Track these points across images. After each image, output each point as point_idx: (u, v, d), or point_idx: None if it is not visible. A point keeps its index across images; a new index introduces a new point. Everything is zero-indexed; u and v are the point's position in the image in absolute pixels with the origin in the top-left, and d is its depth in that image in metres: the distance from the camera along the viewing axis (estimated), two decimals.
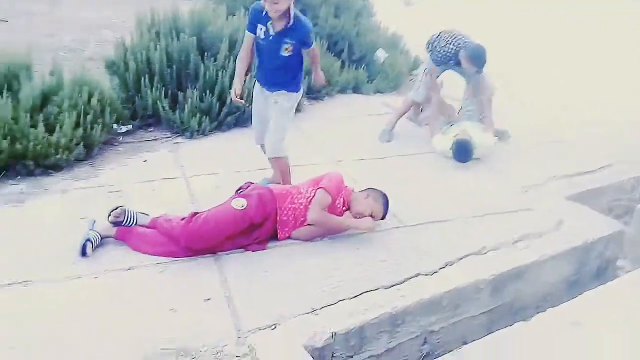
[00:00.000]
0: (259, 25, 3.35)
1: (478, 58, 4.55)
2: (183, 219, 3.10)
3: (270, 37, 3.34)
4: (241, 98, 3.53)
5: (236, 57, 3.60)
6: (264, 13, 3.27)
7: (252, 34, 3.42)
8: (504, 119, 5.16)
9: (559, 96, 6.44)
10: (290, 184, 3.64)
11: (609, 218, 3.91)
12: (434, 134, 4.75)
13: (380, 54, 6.92)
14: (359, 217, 3.30)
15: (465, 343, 2.96)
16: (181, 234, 3.00)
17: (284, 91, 3.52)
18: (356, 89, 6.30)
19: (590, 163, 4.63)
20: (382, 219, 3.42)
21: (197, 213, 3.11)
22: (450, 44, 4.64)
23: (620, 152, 4.89)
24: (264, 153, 3.75)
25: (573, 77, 7.42)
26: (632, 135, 5.33)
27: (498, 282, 3.09)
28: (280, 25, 3.30)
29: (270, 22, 3.30)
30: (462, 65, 4.65)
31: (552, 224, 3.62)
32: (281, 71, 3.46)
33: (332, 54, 6.31)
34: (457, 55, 4.62)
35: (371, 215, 3.31)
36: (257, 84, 3.63)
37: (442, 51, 4.68)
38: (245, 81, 3.61)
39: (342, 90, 6.16)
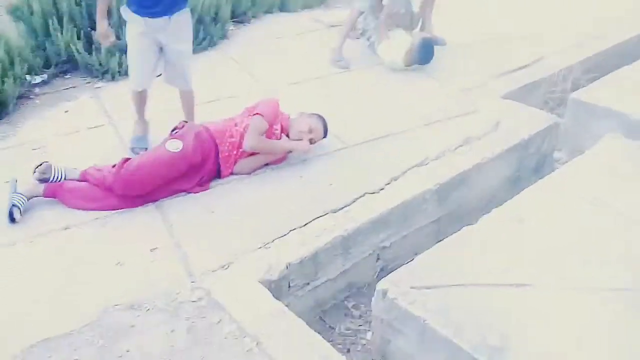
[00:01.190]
0: None
1: None
2: (114, 166, 2.94)
3: None
4: (109, 37, 3.26)
5: None
6: None
7: None
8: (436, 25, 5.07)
9: None
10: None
11: (544, 112, 3.98)
12: (380, 42, 4.62)
13: None
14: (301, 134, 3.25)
15: (417, 254, 3.04)
16: (114, 182, 2.86)
17: (185, 9, 3.25)
18: (283, 7, 5.99)
19: (523, 57, 4.64)
20: (324, 137, 3.37)
21: (129, 159, 2.96)
22: None
23: (552, 42, 4.91)
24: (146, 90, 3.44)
25: None
26: (564, 23, 5.35)
27: (443, 191, 3.13)
28: None
29: None
30: None
31: (490, 125, 3.66)
32: None
33: None
34: None
35: (311, 137, 3.25)
36: (138, 18, 3.16)
37: None
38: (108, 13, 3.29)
39: (269, 10, 5.85)
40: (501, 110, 3.85)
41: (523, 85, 4.27)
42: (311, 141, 3.29)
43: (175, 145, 2.98)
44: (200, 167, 3.04)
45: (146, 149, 3.33)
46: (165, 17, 3.17)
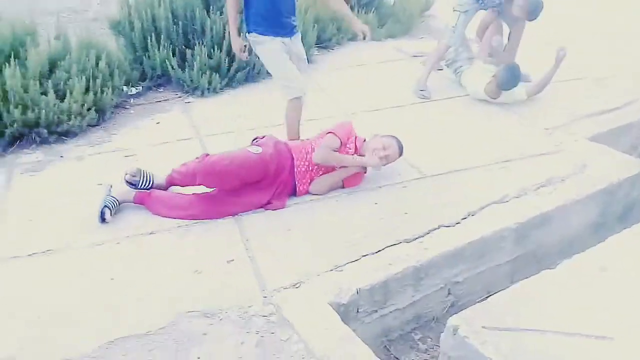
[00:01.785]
0: None
1: (535, 11, 4.33)
2: (197, 158, 3.11)
3: None
4: (243, 52, 3.46)
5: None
6: None
7: None
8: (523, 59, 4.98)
9: (577, 33, 6.17)
10: None
11: (633, 158, 3.80)
12: (464, 69, 4.62)
13: None
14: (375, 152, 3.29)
15: (490, 293, 2.95)
16: (197, 169, 3.01)
17: (299, 33, 3.46)
18: None
19: (612, 100, 4.48)
20: (399, 156, 3.39)
21: (209, 154, 3.11)
22: None
23: None
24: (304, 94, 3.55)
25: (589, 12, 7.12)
26: None
27: (522, 230, 3.04)
28: None
29: None
30: (510, 11, 4.39)
31: (575, 167, 3.54)
32: (293, 5, 3.34)
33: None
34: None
35: (386, 154, 3.28)
36: (274, 39, 3.33)
37: None
38: (239, 31, 3.46)
39: (352, 38, 5.97)
40: (587, 152, 3.71)
41: (612, 129, 4.11)
42: (386, 158, 3.31)
43: (256, 150, 3.12)
44: (275, 176, 3.12)
45: None
46: (289, 38, 3.39)
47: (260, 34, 3.33)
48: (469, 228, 2.96)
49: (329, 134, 3.25)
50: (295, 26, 3.42)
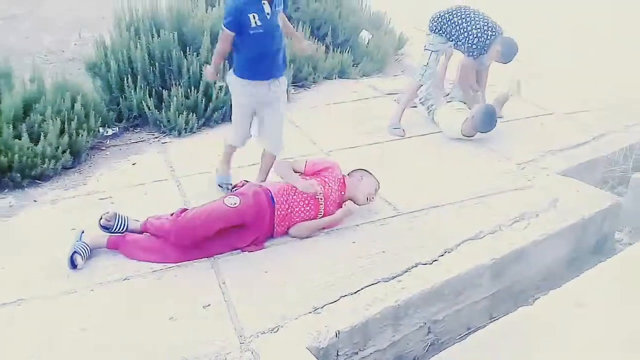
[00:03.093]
0: (252, 15, 3.12)
1: (510, 55, 4.45)
2: (172, 214, 3.08)
3: (268, 17, 3.16)
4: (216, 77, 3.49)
5: None
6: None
7: (233, 32, 3.19)
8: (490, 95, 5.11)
9: (547, 70, 6.37)
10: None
11: (604, 191, 3.89)
12: (438, 108, 4.71)
13: (365, 35, 6.81)
14: (368, 197, 3.40)
15: (470, 329, 2.96)
16: (171, 228, 2.98)
17: (284, 77, 3.45)
18: (342, 74, 6.20)
19: (581, 135, 4.61)
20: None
21: (187, 209, 3.09)
22: (484, 34, 4.39)
23: (612, 121, 4.87)
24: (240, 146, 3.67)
25: (559, 50, 7.37)
26: (620, 104, 5.30)
27: (498, 266, 3.07)
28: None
29: (263, 2, 3.14)
30: (486, 54, 4.49)
31: (548, 201, 3.60)
32: (281, 53, 3.35)
33: (316, 39, 6.20)
34: (487, 45, 4.45)
35: (368, 194, 3.39)
36: (245, 82, 3.35)
37: (475, 40, 4.41)
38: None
39: (328, 76, 6.06)
40: (559, 187, 3.79)
41: (582, 163, 4.21)
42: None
43: (233, 201, 3.08)
44: (255, 226, 3.11)
45: (231, 184, 3.59)
46: (268, 81, 3.35)
47: (241, 77, 3.33)
48: (445, 266, 2.98)
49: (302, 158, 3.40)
50: (283, 68, 3.41)
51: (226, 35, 3.23)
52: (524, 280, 3.27)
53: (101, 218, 3.11)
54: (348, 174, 3.48)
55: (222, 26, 3.22)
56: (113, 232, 3.09)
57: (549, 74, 6.17)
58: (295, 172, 3.37)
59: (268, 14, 3.16)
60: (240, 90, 3.39)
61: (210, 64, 3.46)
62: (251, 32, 3.16)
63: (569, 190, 3.75)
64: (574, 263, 3.52)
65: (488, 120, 4.39)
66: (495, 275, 3.08)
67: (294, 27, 5.11)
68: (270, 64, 3.31)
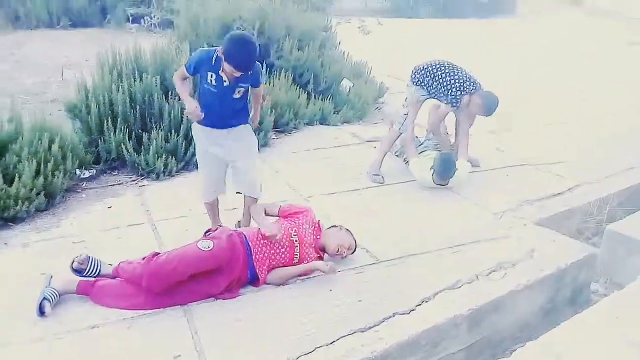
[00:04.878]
0: (209, 74, 3.15)
1: (491, 109, 4.57)
2: (144, 258, 3.02)
3: (225, 84, 3.16)
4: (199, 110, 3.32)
5: None
6: (214, 62, 3.11)
7: (190, 75, 3.26)
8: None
9: (524, 122, 6.54)
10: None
11: (579, 242, 3.93)
12: (410, 159, 4.76)
13: (346, 84, 6.95)
14: (338, 248, 3.34)
15: None
16: (142, 273, 2.91)
17: (245, 124, 3.41)
18: (323, 121, 6.28)
19: (556, 185, 4.69)
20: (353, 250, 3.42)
21: (158, 253, 3.04)
22: (465, 88, 4.54)
23: (585, 172, 4.97)
24: (216, 200, 3.62)
25: (533, 99, 7.59)
26: (594, 156, 5.43)
27: (475, 316, 3.05)
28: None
29: (220, 69, 3.12)
30: (467, 106, 4.60)
31: (524, 251, 3.62)
32: (236, 109, 3.32)
33: (298, 87, 6.31)
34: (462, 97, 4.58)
35: (341, 246, 3.34)
36: (206, 129, 3.33)
37: (456, 93, 4.55)
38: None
39: (309, 123, 6.13)
40: (535, 237, 3.82)
41: (557, 213, 4.26)
42: (344, 255, 3.37)
43: (207, 245, 3.04)
44: (228, 271, 3.05)
45: None
46: (225, 130, 3.33)
47: (201, 124, 3.32)
48: (423, 315, 2.96)
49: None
50: (242, 118, 3.37)
51: (183, 71, 3.27)
52: (501, 331, 3.24)
53: (73, 261, 3.04)
54: (327, 227, 3.48)
55: (183, 64, 3.31)
56: (85, 276, 3.02)
57: (526, 126, 6.32)
58: (270, 215, 3.38)
59: (225, 82, 3.15)
60: (201, 137, 3.36)
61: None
62: (205, 85, 3.20)
63: (545, 241, 3.79)
64: (550, 314, 3.52)
65: (445, 168, 4.46)
66: (472, 326, 3.05)
67: (276, 74, 5.16)
68: (225, 116, 3.29)
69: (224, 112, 3.27)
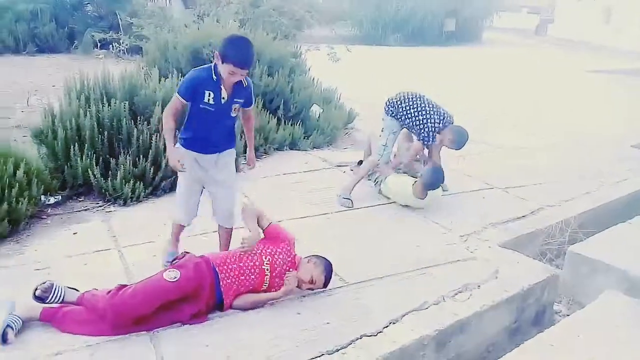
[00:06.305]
0: (207, 92, 3.18)
1: (461, 143, 4.75)
2: (109, 292, 2.96)
3: (223, 101, 3.20)
4: (182, 164, 3.29)
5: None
6: (214, 78, 3.16)
7: (186, 102, 3.22)
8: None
9: (489, 147, 6.72)
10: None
11: (542, 263, 4.04)
12: (387, 177, 4.87)
13: (316, 109, 7.05)
14: (302, 285, 3.28)
15: None
16: (106, 308, 2.86)
17: (232, 149, 3.45)
18: (293, 146, 6.34)
19: (520, 209, 4.82)
20: (325, 286, 3.37)
21: (125, 286, 2.99)
22: (435, 123, 4.71)
23: (547, 196, 5.12)
24: (188, 225, 3.61)
25: (494, 124, 7.81)
26: (557, 178, 5.61)
27: (442, 337, 3.10)
28: (231, 88, 3.22)
29: (222, 86, 3.18)
30: (438, 139, 4.74)
31: (489, 273, 3.70)
32: (227, 130, 3.39)
33: (268, 112, 6.37)
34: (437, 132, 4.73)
35: (312, 281, 3.27)
36: (191, 153, 3.34)
37: (425, 128, 4.72)
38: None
39: (279, 148, 6.18)
40: (499, 259, 3.91)
41: (521, 235, 4.37)
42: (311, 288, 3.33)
43: (173, 275, 3.00)
44: (195, 300, 3.03)
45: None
46: (214, 155, 3.35)
47: (189, 149, 3.33)
48: (390, 337, 2.99)
49: None
50: (231, 142, 3.43)
51: (178, 103, 3.22)
52: (468, 351, 3.29)
53: (36, 289, 2.97)
54: (306, 257, 3.44)
55: (176, 93, 3.24)
56: (48, 303, 2.96)
57: (491, 151, 6.50)
58: (258, 224, 3.33)
59: (224, 98, 3.21)
60: (187, 163, 3.32)
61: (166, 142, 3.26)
62: (201, 105, 3.21)
63: (509, 262, 3.88)
64: (516, 334, 3.58)
65: (435, 177, 4.60)
66: (439, 347, 3.09)
67: None
68: (216, 138, 3.33)
69: (217, 132, 3.30)
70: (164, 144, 3.78)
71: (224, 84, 3.18)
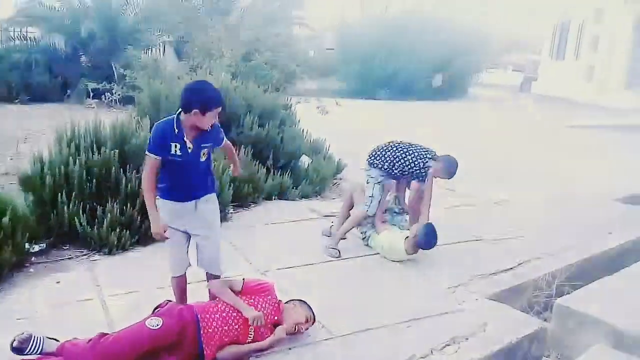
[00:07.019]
0: (174, 144, 3.18)
1: (452, 170, 4.80)
2: (90, 340, 2.90)
3: (190, 150, 3.20)
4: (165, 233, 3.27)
5: None
6: (176, 131, 3.16)
7: (158, 157, 3.20)
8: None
9: (477, 199, 6.79)
10: None
11: (530, 316, 4.02)
12: (379, 232, 4.86)
13: (305, 160, 7.12)
14: (296, 326, 3.31)
15: None
16: (87, 355, 2.80)
17: (211, 194, 3.41)
18: (282, 195, 6.37)
19: (507, 261, 4.82)
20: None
21: (106, 334, 2.94)
22: (423, 158, 4.77)
23: (534, 248, 5.15)
24: (184, 276, 3.53)
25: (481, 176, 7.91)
26: (544, 231, 5.65)
27: None
28: (194, 135, 3.20)
29: (184, 138, 3.17)
30: (429, 172, 4.77)
31: (477, 325, 3.67)
32: (202, 174, 3.36)
33: (257, 162, 6.42)
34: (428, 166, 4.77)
35: (307, 320, 3.33)
36: (169, 203, 3.31)
37: (418, 169, 4.76)
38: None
39: (268, 197, 6.20)
40: (487, 311, 3.89)
41: (509, 288, 4.37)
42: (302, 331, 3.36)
43: (155, 323, 2.97)
44: (178, 349, 2.98)
45: None
46: (192, 202, 3.31)
47: (167, 199, 3.30)
48: None
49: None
50: (209, 187, 3.41)
51: (152, 162, 3.21)
52: None
53: (14, 340, 2.90)
54: (286, 302, 3.45)
55: (147, 152, 3.23)
56: (26, 355, 2.88)
57: (479, 203, 6.56)
58: (232, 290, 3.31)
59: (190, 148, 3.19)
60: (168, 213, 3.30)
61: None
62: (170, 157, 3.20)
63: (497, 315, 3.86)
64: None
65: (430, 237, 4.58)
66: None
67: (236, 150, 5.27)
68: (193, 183, 3.31)
69: (191, 179, 3.29)
70: None
71: (186, 134, 3.17)
